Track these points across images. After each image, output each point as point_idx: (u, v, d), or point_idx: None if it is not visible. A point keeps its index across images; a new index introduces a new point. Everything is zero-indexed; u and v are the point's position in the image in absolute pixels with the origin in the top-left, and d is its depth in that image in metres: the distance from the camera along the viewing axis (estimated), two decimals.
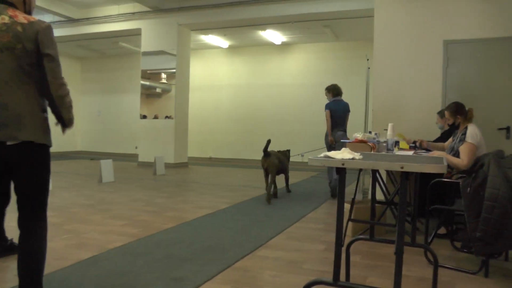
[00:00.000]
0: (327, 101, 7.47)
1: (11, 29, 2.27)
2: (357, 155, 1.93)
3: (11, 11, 2.33)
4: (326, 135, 7.25)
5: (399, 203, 1.87)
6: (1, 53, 2.26)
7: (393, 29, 6.60)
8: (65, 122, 2.51)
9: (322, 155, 2.01)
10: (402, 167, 1.76)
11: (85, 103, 17.78)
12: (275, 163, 6.68)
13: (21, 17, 2.32)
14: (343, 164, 1.87)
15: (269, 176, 6.61)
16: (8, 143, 2.27)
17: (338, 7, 10.33)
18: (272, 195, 6.74)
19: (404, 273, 3.34)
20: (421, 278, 3.26)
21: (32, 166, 2.39)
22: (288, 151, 7.61)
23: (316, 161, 1.95)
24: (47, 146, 2.44)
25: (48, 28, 2.36)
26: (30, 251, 2.41)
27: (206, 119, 15.69)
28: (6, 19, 2.29)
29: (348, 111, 7.46)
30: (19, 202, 2.45)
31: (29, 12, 2.49)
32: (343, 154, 1.93)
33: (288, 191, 7.58)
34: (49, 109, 2.51)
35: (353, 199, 2.58)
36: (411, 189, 3.23)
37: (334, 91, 7.47)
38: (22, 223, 2.44)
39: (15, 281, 2.59)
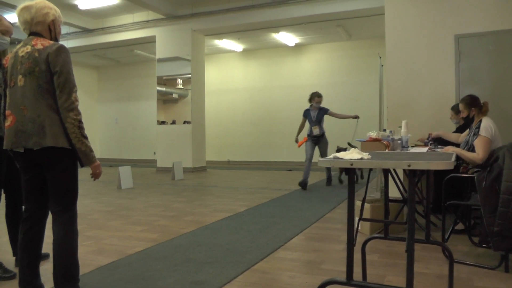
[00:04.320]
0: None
1: (31, 56, 2.63)
2: (365, 155, 1.95)
3: (34, 41, 2.68)
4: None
5: (408, 200, 1.89)
6: (25, 77, 2.64)
7: (404, 26, 6.56)
8: (78, 154, 2.67)
9: (331, 156, 2.03)
10: (409, 165, 1.78)
11: (103, 111, 18.04)
12: None
13: (39, 44, 2.66)
14: (351, 165, 1.90)
15: None
16: (35, 148, 2.61)
17: (350, 7, 10.34)
18: None
19: (422, 271, 3.35)
20: (439, 276, 3.24)
21: (56, 167, 2.68)
22: None
23: (326, 163, 1.98)
24: (69, 149, 2.66)
25: (57, 50, 2.64)
26: (57, 249, 2.68)
27: (223, 122, 15.76)
28: (29, 48, 2.66)
29: None
30: (50, 203, 2.75)
31: (55, 38, 2.82)
32: (351, 155, 1.96)
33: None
34: None
35: (364, 198, 2.59)
36: (427, 186, 3.22)
37: None
38: (53, 222, 2.73)
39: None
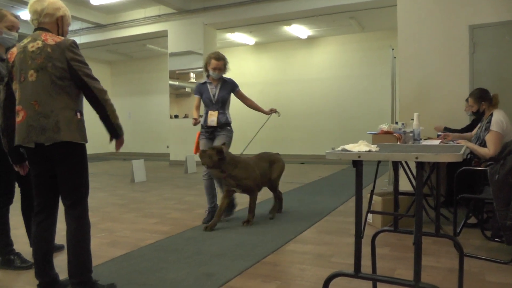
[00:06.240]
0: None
1: (43, 52, 2.65)
2: (373, 147, 1.95)
3: (44, 36, 2.70)
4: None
5: (415, 193, 1.88)
6: (37, 72, 2.65)
7: (417, 17, 6.49)
8: (115, 128, 3.00)
9: (339, 148, 2.03)
10: (417, 157, 1.77)
11: (116, 105, 17.59)
12: None
13: (50, 40, 2.68)
14: (359, 157, 1.89)
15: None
16: (46, 144, 2.64)
17: None
18: None
19: (433, 265, 3.34)
20: (450, 269, 3.23)
21: (67, 162, 2.73)
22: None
23: (333, 155, 1.97)
24: (81, 144, 2.76)
25: (71, 45, 2.69)
26: (70, 241, 2.75)
27: (235, 116, 15.64)
28: (40, 44, 2.67)
29: None
30: (62, 197, 2.81)
31: (62, 34, 2.84)
32: (359, 147, 1.95)
33: None
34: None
35: (372, 190, 2.58)
36: (437, 179, 3.20)
37: None
38: (65, 215, 2.79)
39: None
